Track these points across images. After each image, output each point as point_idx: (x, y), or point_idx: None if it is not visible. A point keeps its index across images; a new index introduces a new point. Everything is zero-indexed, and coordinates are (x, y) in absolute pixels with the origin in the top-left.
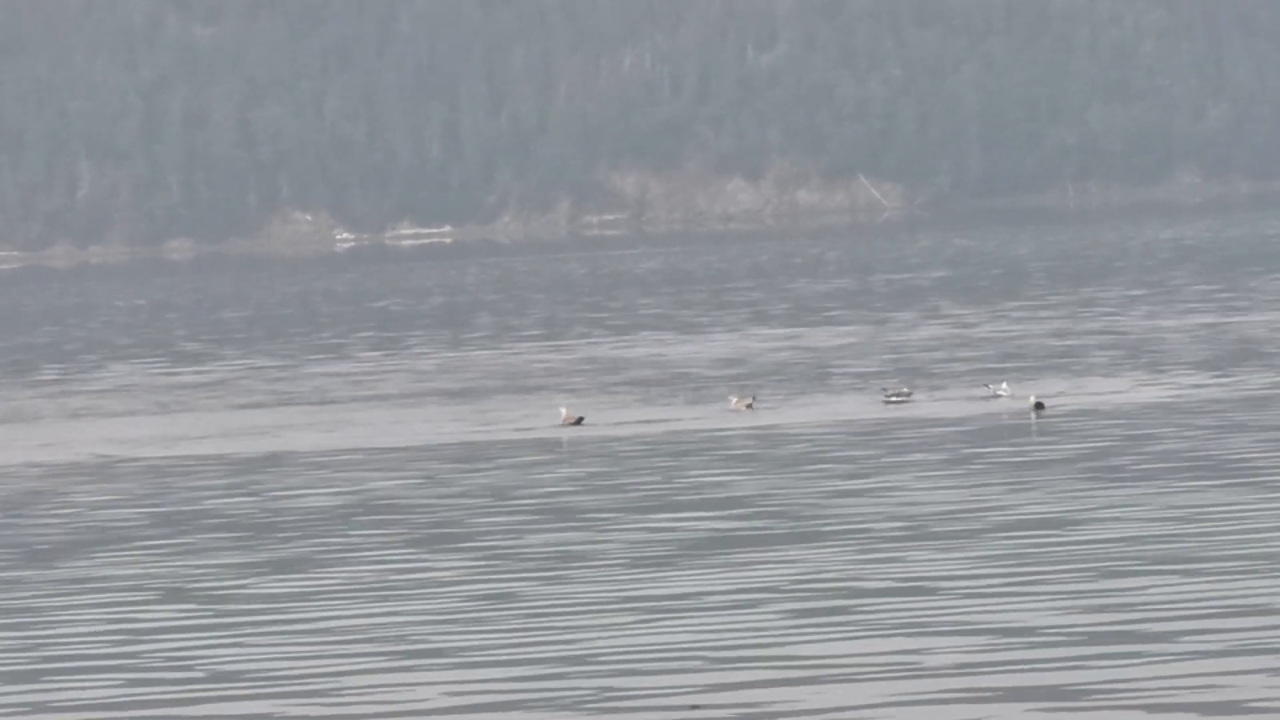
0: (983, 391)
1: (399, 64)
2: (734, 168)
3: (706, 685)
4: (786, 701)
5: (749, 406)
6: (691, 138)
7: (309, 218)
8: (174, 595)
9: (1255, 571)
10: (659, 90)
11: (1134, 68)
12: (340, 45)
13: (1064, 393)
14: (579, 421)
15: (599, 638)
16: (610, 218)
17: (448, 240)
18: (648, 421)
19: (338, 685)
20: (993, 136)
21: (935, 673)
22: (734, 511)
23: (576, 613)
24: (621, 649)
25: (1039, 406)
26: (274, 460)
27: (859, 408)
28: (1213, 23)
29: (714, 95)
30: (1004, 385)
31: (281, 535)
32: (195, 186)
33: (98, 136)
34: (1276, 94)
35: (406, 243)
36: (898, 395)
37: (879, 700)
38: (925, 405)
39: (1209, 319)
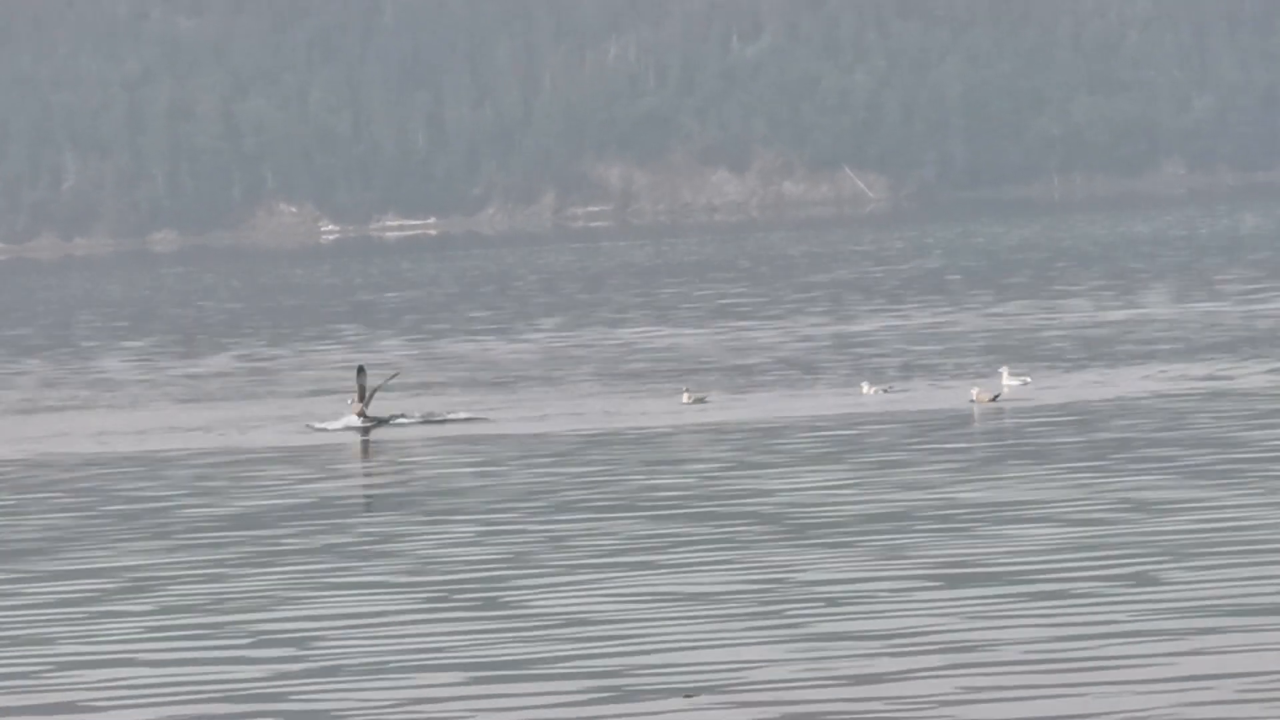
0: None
1: (383, 56)
2: (719, 159)
3: (696, 674)
4: (779, 693)
5: (700, 401)
6: (676, 129)
7: (294, 209)
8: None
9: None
10: (643, 82)
11: (1118, 59)
12: (324, 37)
13: (1005, 388)
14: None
15: (581, 632)
16: (595, 209)
17: (433, 232)
18: (604, 415)
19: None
20: (977, 128)
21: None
22: (685, 510)
23: (547, 607)
24: (618, 642)
25: (995, 399)
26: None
27: (817, 403)
28: (1197, 14)
29: (698, 87)
30: (1004, 371)
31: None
32: (180, 178)
33: (82, 129)
34: (1261, 85)
35: (391, 234)
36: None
37: (868, 693)
38: (893, 400)
39: (1172, 309)
